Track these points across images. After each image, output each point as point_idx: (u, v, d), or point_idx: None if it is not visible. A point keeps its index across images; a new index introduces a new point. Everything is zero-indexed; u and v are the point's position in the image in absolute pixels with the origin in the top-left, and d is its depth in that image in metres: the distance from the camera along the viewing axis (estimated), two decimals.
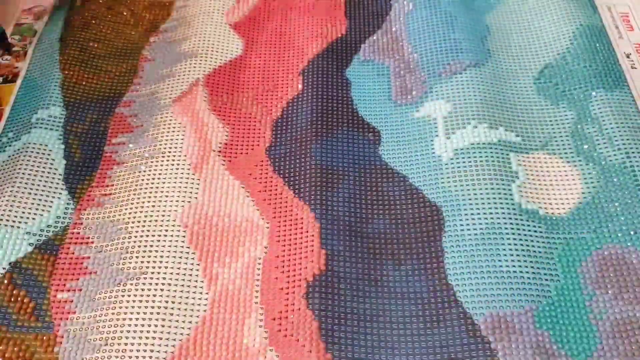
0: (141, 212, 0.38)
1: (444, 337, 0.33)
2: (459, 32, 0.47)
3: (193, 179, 0.39)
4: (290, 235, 0.37)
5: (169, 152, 0.41)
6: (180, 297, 0.34)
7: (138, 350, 0.32)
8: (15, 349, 0.33)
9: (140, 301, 0.34)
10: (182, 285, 0.35)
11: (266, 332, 0.33)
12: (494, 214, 0.37)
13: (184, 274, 0.35)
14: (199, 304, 0.34)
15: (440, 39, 0.46)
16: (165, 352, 0.32)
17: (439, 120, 0.42)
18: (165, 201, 0.38)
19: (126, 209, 0.38)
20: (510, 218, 0.36)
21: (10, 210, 0.38)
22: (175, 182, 0.39)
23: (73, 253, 0.37)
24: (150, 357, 0.32)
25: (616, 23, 0.48)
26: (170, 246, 0.36)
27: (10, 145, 0.41)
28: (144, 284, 0.35)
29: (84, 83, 0.45)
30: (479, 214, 0.37)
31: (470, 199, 0.37)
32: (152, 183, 0.39)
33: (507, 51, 0.47)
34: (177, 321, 0.34)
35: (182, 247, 0.36)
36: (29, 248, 0.37)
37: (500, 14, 0.49)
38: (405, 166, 0.40)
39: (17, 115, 0.44)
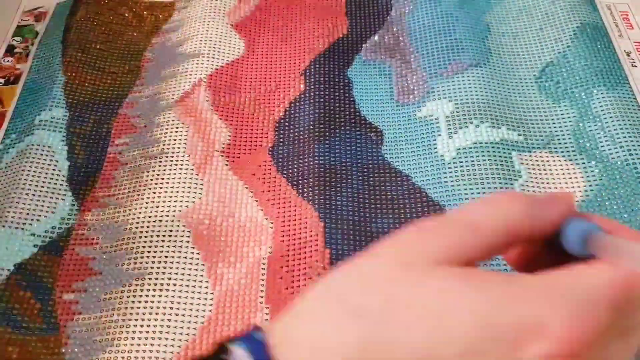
0: (145, 212, 0.38)
1: None
2: (460, 32, 0.47)
3: (197, 179, 0.39)
4: (295, 234, 0.37)
5: (172, 152, 0.41)
6: (186, 297, 0.34)
7: (144, 351, 0.32)
8: (21, 350, 0.33)
9: (146, 302, 0.34)
10: (187, 286, 0.35)
11: None
12: None
13: (189, 274, 0.35)
14: (204, 304, 0.34)
15: (441, 39, 0.47)
16: (171, 352, 0.32)
17: (441, 119, 0.42)
18: (169, 201, 0.38)
19: (130, 210, 0.38)
20: None
21: (14, 212, 0.38)
22: (179, 183, 0.39)
23: (78, 254, 0.37)
24: (157, 357, 0.32)
25: (616, 22, 0.49)
26: (174, 246, 0.36)
27: (13, 147, 0.41)
28: (149, 284, 0.35)
29: (86, 84, 0.45)
30: None
31: (473, 198, 0.38)
32: (156, 183, 0.39)
33: (507, 50, 0.47)
34: (182, 321, 0.34)
35: (187, 247, 0.36)
36: (34, 249, 0.37)
37: (501, 14, 0.49)
38: (408, 165, 0.41)
39: (20, 117, 0.44)
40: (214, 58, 0.46)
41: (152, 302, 0.34)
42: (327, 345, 0.17)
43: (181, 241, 0.37)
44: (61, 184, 0.40)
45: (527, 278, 0.17)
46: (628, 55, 0.46)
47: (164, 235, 0.37)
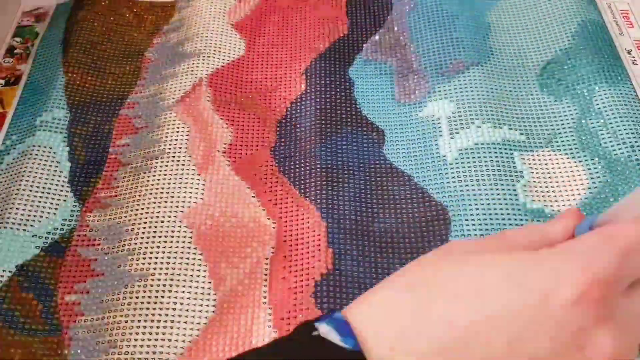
0: (147, 213, 0.38)
1: None
2: (461, 31, 0.47)
3: (198, 179, 0.39)
4: (297, 235, 0.37)
5: (174, 152, 0.40)
6: (188, 298, 0.34)
7: (147, 352, 0.32)
8: (23, 351, 0.33)
9: (148, 303, 0.34)
10: (190, 287, 0.35)
11: (275, 332, 0.33)
12: (499, 214, 0.37)
13: (192, 275, 0.35)
14: (207, 305, 0.34)
15: (441, 39, 0.46)
16: (174, 353, 0.32)
17: (443, 119, 0.42)
18: (171, 202, 0.38)
19: (132, 210, 0.38)
20: (515, 219, 0.36)
21: (16, 214, 0.37)
22: (180, 183, 0.39)
23: (80, 255, 0.37)
24: (160, 358, 0.32)
25: (616, 20, 0.49)
26: (177, 247, 0.36)
27: (14, 148, 0.41)
28: (151, 285, 0.35)
29: (87, 85, 0.45)
30: (484, 214, 0.37)
31: (475, 199, 0.37)
32: (158, 184, 0.39)
33: (509, 49, 0.47)
34: (185, 322, 0.33)
35: (189, 247, 0.36)
36: (36, 251, 0.37)
37: (501, 12, 0.49)
38: (410, 166, 0.40)
39: (20, 118, 0.43)
40: (214, 58, 0.46)
41: (155, 303, 0.34)
42: (390, 314, 0.21)
43: (183, 242, 0.36)
44: (62, 185, 0.40)
45: (547, 249, 0.21)
46: (629, 53, 0.46)
47: (165, 236, 0.37)
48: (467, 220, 0.37)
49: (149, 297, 0.34)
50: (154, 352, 0.32)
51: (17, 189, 0.38)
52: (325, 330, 0.20)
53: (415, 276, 0.22)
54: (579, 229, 0.22)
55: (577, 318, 0.19)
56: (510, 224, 0.36)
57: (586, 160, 0.39)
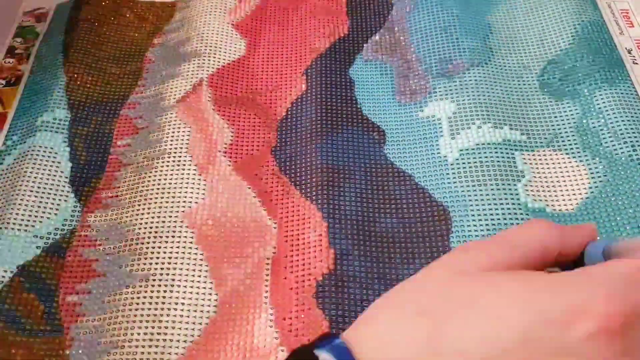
0: (148, 213, 0.38)
1: None
2: (461, 31, 0.47)
3: (199, 179, 0.39)
4: (298, 235, 0.37)
5: (175, 153, 0.40)
6: (190, 298, 0.34)
7: (148, 353, 0.32)
8: (24, 352, 0.33)
9: (150, 303, 0.34)
10: (192, 287, 0.35)
11: (277, 333, 0.33)
12: (500, 214, 0.37)
13: (193, 275, 0.35)
14: (208, 305, 0.34)
15: (442, 39, 0.46)
16: (176, 353, 0.32)
17: (444, 120, 0.42)
18: (172, 202, 0.38)
19: (133, 211, 0.38)
20: (517, 218, 0.36)
21: (17, 214, 0.37)
22: (181, 183, 0.39)
23: (81, 256, 0.37)
24: (161, 359, 0.32)
25: (616, 19, 0.49)
26: (178, 247, 0.36)
27: (15, 149, 0.41)
28: (152, 285, 0.35)
29: (88, 85, 0.45)
30: (485, 214, 0.37)
31: (476, 199, 0.37)
32: (159, 184, 0.39)
33: (509, 49, 0.47)
34: (187, 323, 0.33)
35: (190, 248, 0.36)
36: (37, 251, 0.37)
37: (502, 13, 0.49)
38: (410, 166, 0.40)
39: (21, 119, 0.43)
40: (215, 58, 0.46)
41: (156, 303, 0.34)
42: (400, 341, 0.20)
43: (185, 242, 0.36)
44: (64, 186, 0.40)
45: (566, 273, 0.20)
46: (629, 52, 0.46)
47: (167, 236, 0.37)
48: (468, 220, 0.37)
49: (151, 297, 0.34)
50: (156, 353, 0.32)
51: (18, 190, 0.38)
52: (325, 358, 0.20)
53: (423, 300, 0.21)
54: (592, 250, 0.22)
55: (596, 351, 0.18)
56: (512, 224, 0.36)
57: (587, 159, 0.39)
